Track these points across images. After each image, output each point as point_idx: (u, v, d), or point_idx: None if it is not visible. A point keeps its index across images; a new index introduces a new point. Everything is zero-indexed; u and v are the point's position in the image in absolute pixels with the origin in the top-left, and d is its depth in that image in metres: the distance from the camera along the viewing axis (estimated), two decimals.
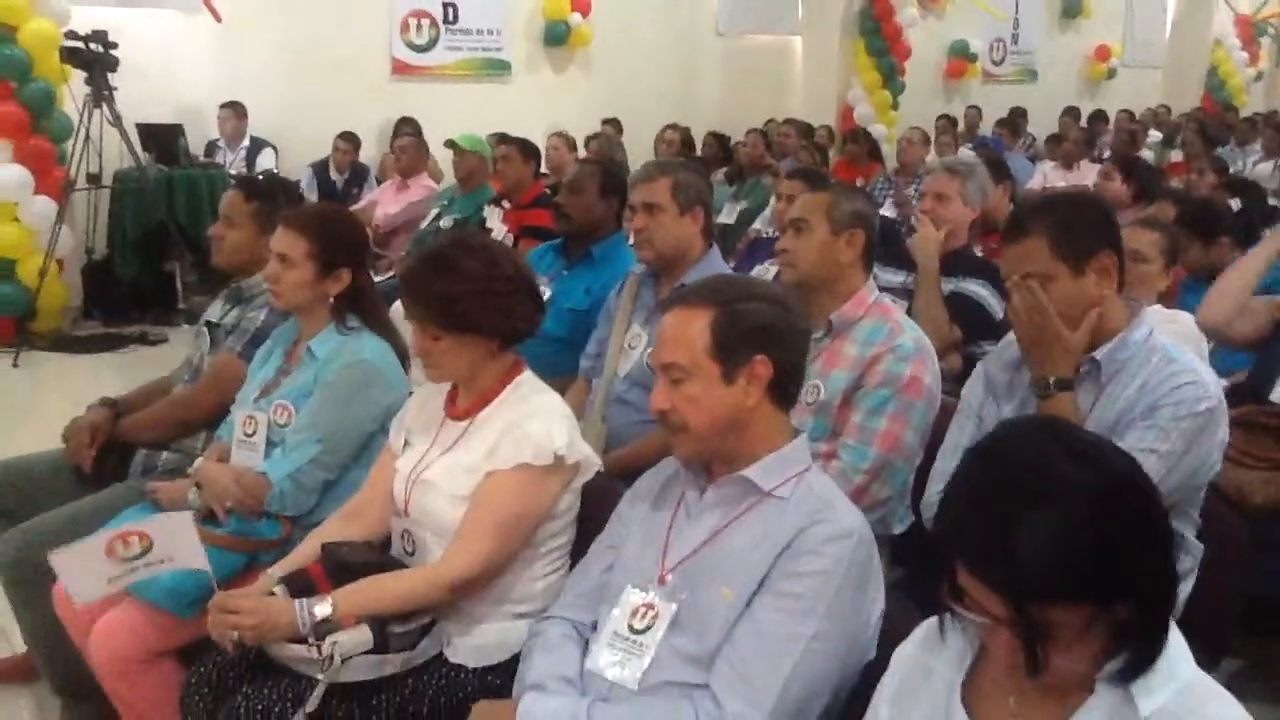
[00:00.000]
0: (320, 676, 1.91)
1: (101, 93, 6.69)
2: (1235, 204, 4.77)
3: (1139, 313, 2.22)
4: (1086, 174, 8.22)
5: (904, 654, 1.49)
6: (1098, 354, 2.18)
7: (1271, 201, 5.99)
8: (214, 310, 3.05)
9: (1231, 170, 7.91)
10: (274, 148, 8.48)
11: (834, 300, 2.65)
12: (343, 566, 2.08)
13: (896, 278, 3.70)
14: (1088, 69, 15.72)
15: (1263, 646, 2.81)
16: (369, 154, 8.97)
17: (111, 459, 2.89)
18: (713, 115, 10.98)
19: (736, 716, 1.62)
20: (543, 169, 6.70)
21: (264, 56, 8.66)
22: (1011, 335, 2.31)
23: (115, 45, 6.72)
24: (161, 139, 7.58)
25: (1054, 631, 1.21)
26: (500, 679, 2.04)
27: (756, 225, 6.21)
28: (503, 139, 5.92)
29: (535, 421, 2.09)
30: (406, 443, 2.29)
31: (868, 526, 1.75)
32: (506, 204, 5.53)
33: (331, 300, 2.57)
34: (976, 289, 3.53)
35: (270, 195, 3.01)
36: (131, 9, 7.91)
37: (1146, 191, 5.07)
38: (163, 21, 8.25)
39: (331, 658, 1.91)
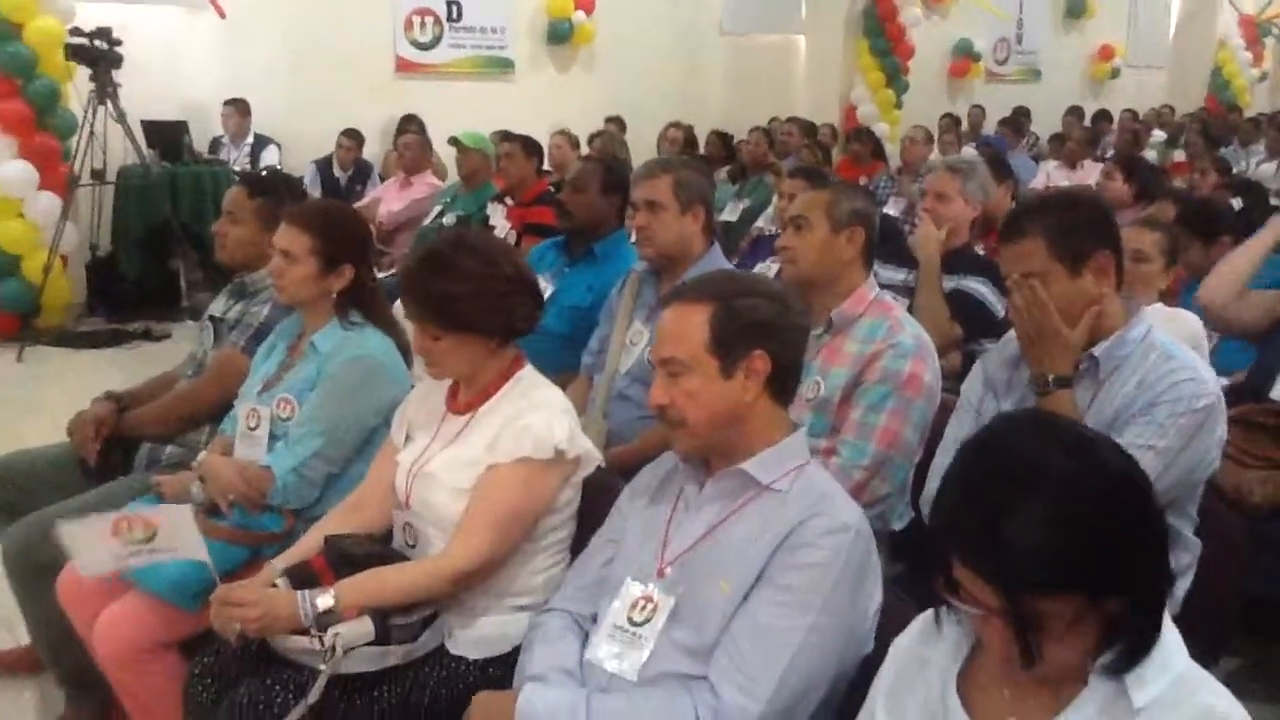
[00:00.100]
0: (322, 668, 1.92)
1: (106, 89, 6.71)
2: (1237, 204, 4.77)
3: (1137, 311, 2.24)
4: (1090, 173, 8.21)
5: (901, 646, 1.51)
6: (1096, 351, 2.19)
7: (1274, 201, 5.99)
8: (218, 305, 3.06)
9: (1235, 170, 7.91)
10: (278, 145, 8.50)
11: (834, 297, 2.66)
12: (345, 559, 2.09)
13: (898, 275, 3.72)
14: (1092, 69, 15.71)
15: (1262, 645, 2.82)
16: (373, 151, 8.97)
17: (115, 453, 2.91)
18: (716, 114, 10.99)
19: (734, 707, 1.64)
20: (546, 167, 6.72)
21: (268, 53, 8.68)
22: (1012, 333, 2.32)
23: (120, 42, 6.74)
24: (166, 136, 7.61)
25: (1047, 623, 1.22)
26: (501, 671, 2.05)
27: (759, 223, 6.22)
28: (506, 136, 5.93)
29: (536, 415, 2.10)
30: (408, 436, 2.30)
31: (865, 520, 1.76)
32: (509, 201, 5.55)
33: (334, 295, 2.58)
34: (977, 287, 3.54)
35: (274, 191, 3.03)
36: (136, 6, 7.93)
37: (1148, 191, 5.08)
38: (167, 18, 8.28)
39: (333, 649, 1.92)
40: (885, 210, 6.28)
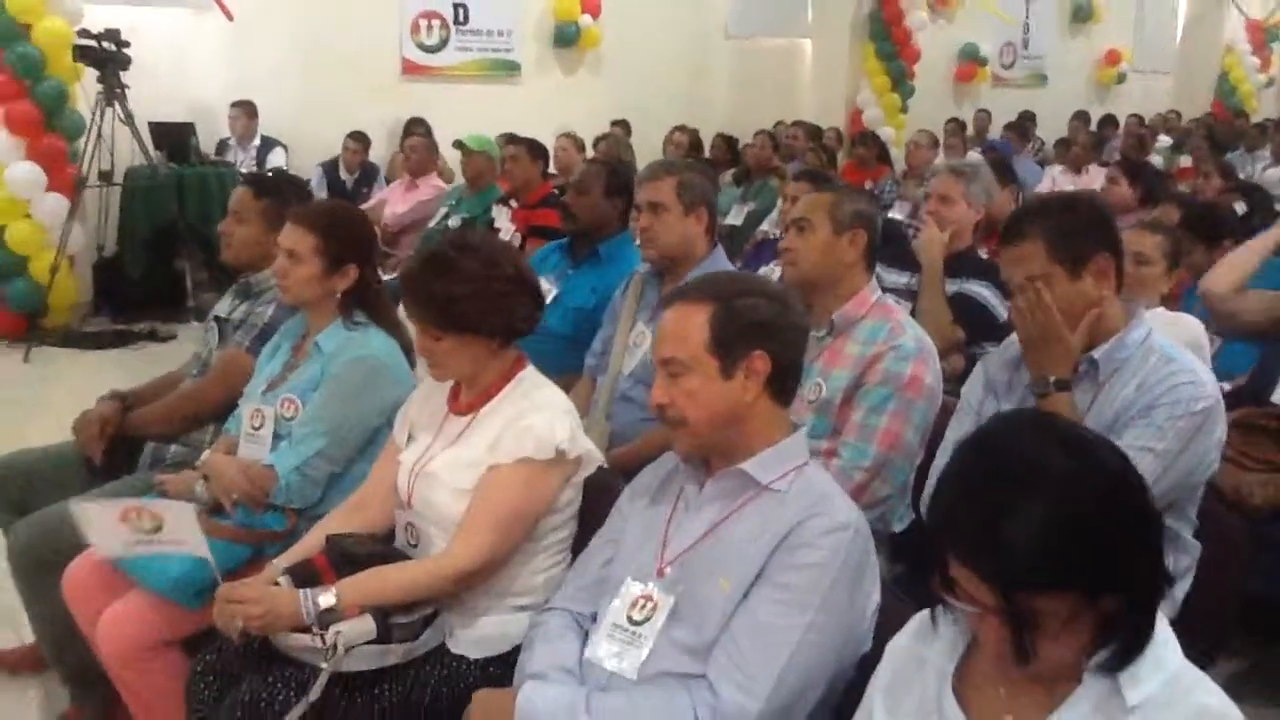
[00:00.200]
0: (324, 665, 1.93)
1: (113, 91, 6.74)
2: (1240, 207, 4.77)
3: (1137, 313, 2.24)
4: (1095, 178, 8.20)
5: (898, 645, 1.51)
6: (1096, 353, 2.20)
7: (1278, 206, 5.99)
8: (223, 305, 3.08)
9: (1241, 176, 7.90)
10: (284, 147, 8.52)
11: (836, 300, 2.67)
12: (347, 558, 2.10)
13: (901, 278, 3.72)
14: (1098, 73, 15.69)
15: (1262, 646, 2.83)
16: (379, 154, 9.00)
17: (120, 452, 2.92)
18: (722, 117, 11.00)
19: (732, 705, 1.64)
20: (551, 170, 6.73)
21: (275, 56, 8.71)
22: (1014, 335, 2.33)
23: (127, 44, 6.77)
24: (173, 137, 7.64)
25: (1043, 621, 1.23)
26: (501, 670, 2.06)
27: (764, 227, 6.23)
28: (511, 139, 5.94)
29: (537, 416, 2.11)
30: (411, 436, 2.31)
31: (864, 520, 1.77)
32: (514, 203, 5.56)
33: (339, 296, 2.60)
34: (980, 290, 3.54)
35: (279, 192, 3.04)
36: (144, 8, 7.97)
37: (1152, 195, 5.09)
38: (175, 20, 8.31)
39: (335, 647, 1.94)
40: (890, 214, 6.29)
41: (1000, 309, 3.42)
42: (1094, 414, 2.19)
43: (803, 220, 2.70)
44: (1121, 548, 1.23)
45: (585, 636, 1.90)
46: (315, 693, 1.92)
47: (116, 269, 7.61)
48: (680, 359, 1.79)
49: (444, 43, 9.93)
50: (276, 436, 2.54)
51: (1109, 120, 12.66)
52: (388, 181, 8.27)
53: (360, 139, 8.53)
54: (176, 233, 7.18)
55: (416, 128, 8.55)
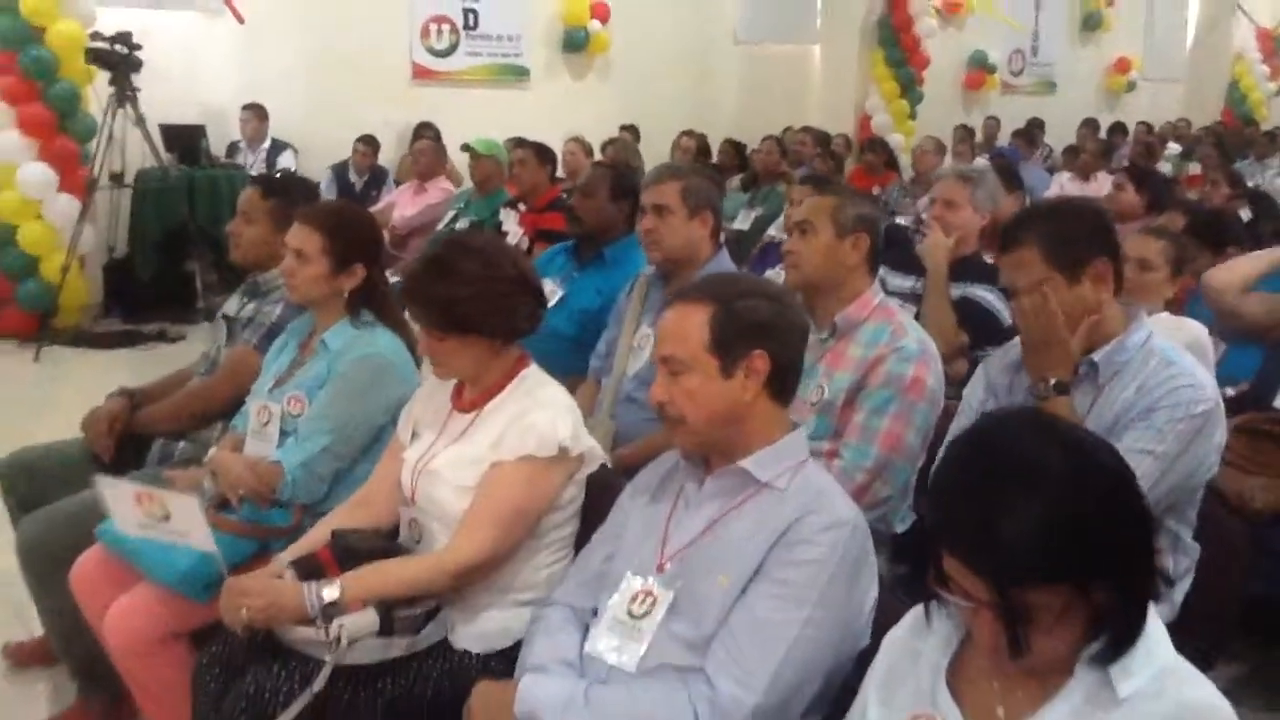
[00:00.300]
0: (327, 658, 1.96)
1: (125, 93, 6.77)
2: (1246, 214, 4.78)
3: (1137, 316, 2.25)
4: (1103, 185, 8.17)
5: (894, 638, 1.53)
6: (1095, 356, 2.22)
7: None
8: (231, 304, 3.10)
9: (1250, 184, 7.89)
10: (294, 149, 8.57)
11: (838, 302, 2.67)
12: (351, 552, 2.12)
13: (906, 283, 3.73)
14: (1107, 81, 15.69)
15: (1261, 649, 2.83)
16: (388, 157, 9.04)
17: (128, 448, 2.94)
18: (730, 123, 11.03)
19: (730, 699, 1.66)
20: (560, 174, 6.76)
21: (286, 59, 8.76)
22: (1016, 339, 2.34)
23: (139, 47, 6.80)
24: (184, 140, 7.69)
25: (1036, 615, 1.24)
26: (503, 665, 2.07)
27: (771, 232, 6.25)
28: (519, 143, 5.97)
29: (540, 413, 2.13)
30: (414, 434, 2.33)
31: (862, 517, 1.78)
32: (522, 207, 5.59)
33: (345, 295, 2.62)
34: (984, 295, 3.55)
35: (286, 192, 3.06)
36: (156, 11, 8.03)
37: (1159, 202, 5.09)
38: (186, 24, 8.37)
39: (338, 640, 1.95)
40: (897, 220, 6.31)
41: (1005, 313, 3.42)
42: (1094, 416, 2.20)
43: (805, 223, 2.71)
44: (1113, 542, 1.24)
45: (586, 630, 1.91)
46: (319, 684, 1.94)
47: (127, 270, 7.66)
48: (680, 358, 1.81)
49: (454, 47, 9.98)
50: (283, 433, 2.56)
51: (1118, 128, 12.65)
52: (397, 185, 8.31)
53: (370, 142, 8.57)
54: (187, 234, 7.22)
55: (425, 131, 8.60)
